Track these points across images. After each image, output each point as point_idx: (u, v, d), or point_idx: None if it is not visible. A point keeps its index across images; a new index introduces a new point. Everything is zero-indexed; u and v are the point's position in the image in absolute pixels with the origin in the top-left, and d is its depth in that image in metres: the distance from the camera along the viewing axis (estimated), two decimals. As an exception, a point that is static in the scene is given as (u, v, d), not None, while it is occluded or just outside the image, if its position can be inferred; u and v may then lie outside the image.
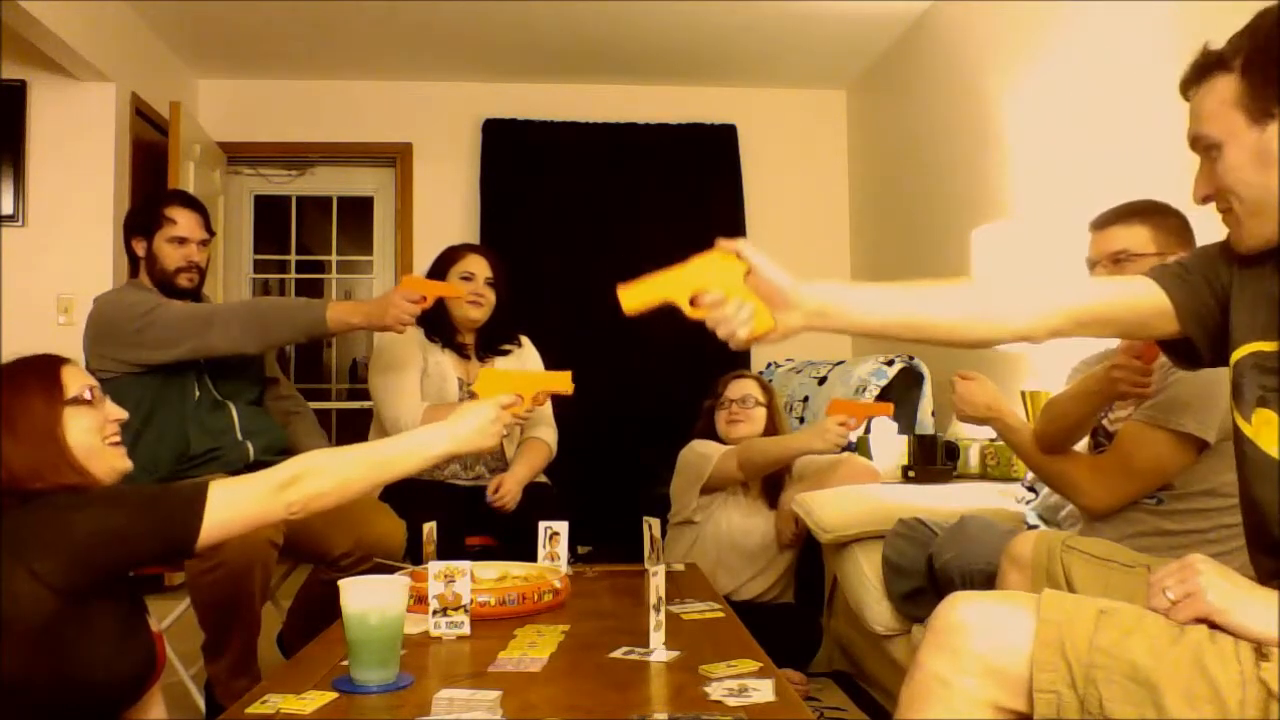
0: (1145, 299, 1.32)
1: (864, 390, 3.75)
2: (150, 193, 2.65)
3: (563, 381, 1.97)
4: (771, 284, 1.30)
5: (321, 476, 1.52)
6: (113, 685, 1.42)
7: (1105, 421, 2.05)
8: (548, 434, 2.99)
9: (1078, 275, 2.01)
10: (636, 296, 1.32)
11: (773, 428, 3.15)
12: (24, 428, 1.43)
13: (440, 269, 2.92)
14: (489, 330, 2.96)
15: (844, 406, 2.82)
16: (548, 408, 2.97)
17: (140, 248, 2.59)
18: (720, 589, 2.92)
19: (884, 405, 3.02)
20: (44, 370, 1.51)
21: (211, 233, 2.68)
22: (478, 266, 2.91)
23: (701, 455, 3.03)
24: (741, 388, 3.13)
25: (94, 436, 1.50)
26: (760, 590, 3.03)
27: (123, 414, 1.58)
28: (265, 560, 2.21)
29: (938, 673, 1.16)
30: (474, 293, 2.88)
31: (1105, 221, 2.03)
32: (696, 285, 1.30)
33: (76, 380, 1.52)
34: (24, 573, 1.30)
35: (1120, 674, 1.09)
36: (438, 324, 2.89)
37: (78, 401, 1.50)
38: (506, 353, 3.01)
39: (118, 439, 1.56)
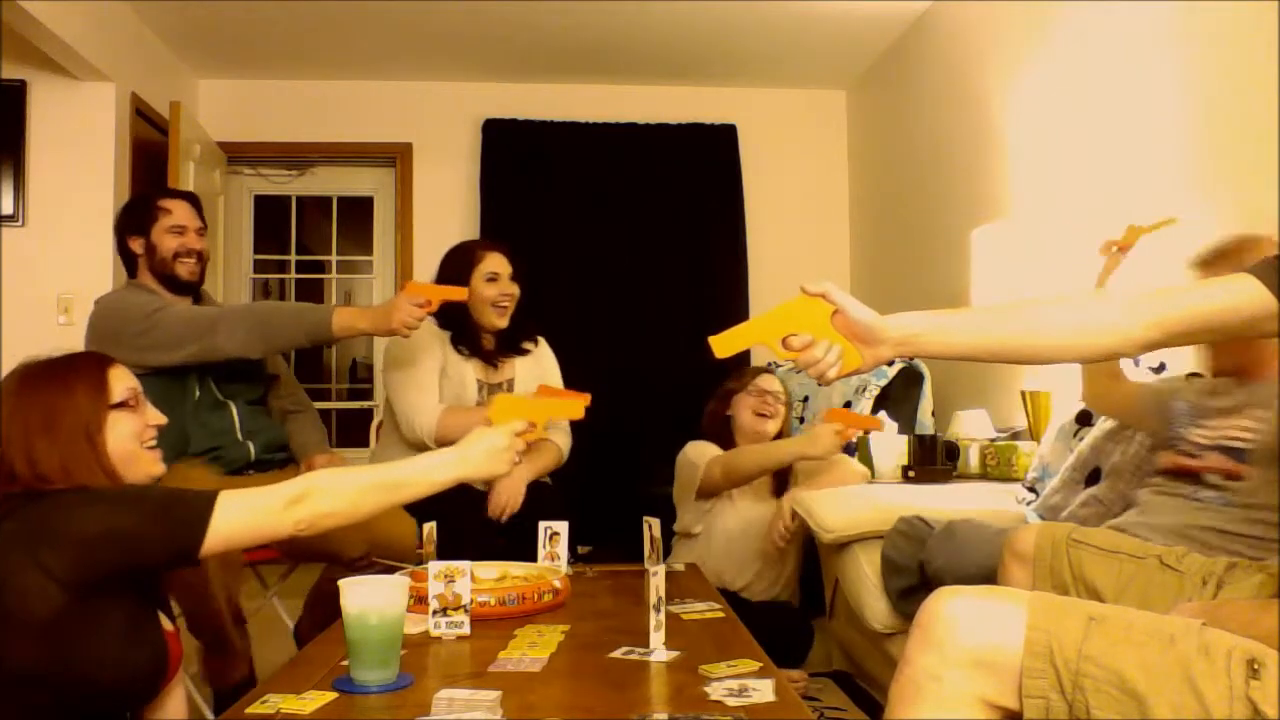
0: (1248, 300, 1.22)
1: (864, 390, 3.75)
2: (138, 193, 2.65)
3: (575, 410, 1.99)
4: (857, 322, 1.30)
5: (330, 496, 1.52)
6: (122, 682, 1.43)
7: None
8: (561, 438, 2.93)
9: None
10: (727, 344, 1.34)
11: (785, 432, 3.18)
12: (64, 429, 1.44)
13: (460, 269, 2.83)
14: (508, 328, 2.93)
15: (840, 416, 2.86)
16: None
17: (138, 245, 2.58)
18: (727, 584, 2.92)
19: (876, 420, 3.08)
20: (90, 370, 1.51)
21: (204, 223, 2.67)
22: (501, 265, 2.85)
23: (691, 464, 3.03)
24: (772, 382, 3.14)
25: (133, 442, 1.52)
26: (765, 590, 3.03)
27: (162, 418, 1.59)
28: (224, 559, 2.19)
29: (926, 667, 1.16)
30: (503, 294, 2.83)
31: (1202, 263, 1.96)
32: (785, 329, 1.32)
33: (121, 383, 1.53)
34: (33, 566, 1.31)
35: (1108, 683, 1.09)
36: (462, 331, 2.84)
37: (122, 406, 1.51)
38: (526, 352, 2.97)
39: (154, 443, 1.58)
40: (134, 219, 2.61)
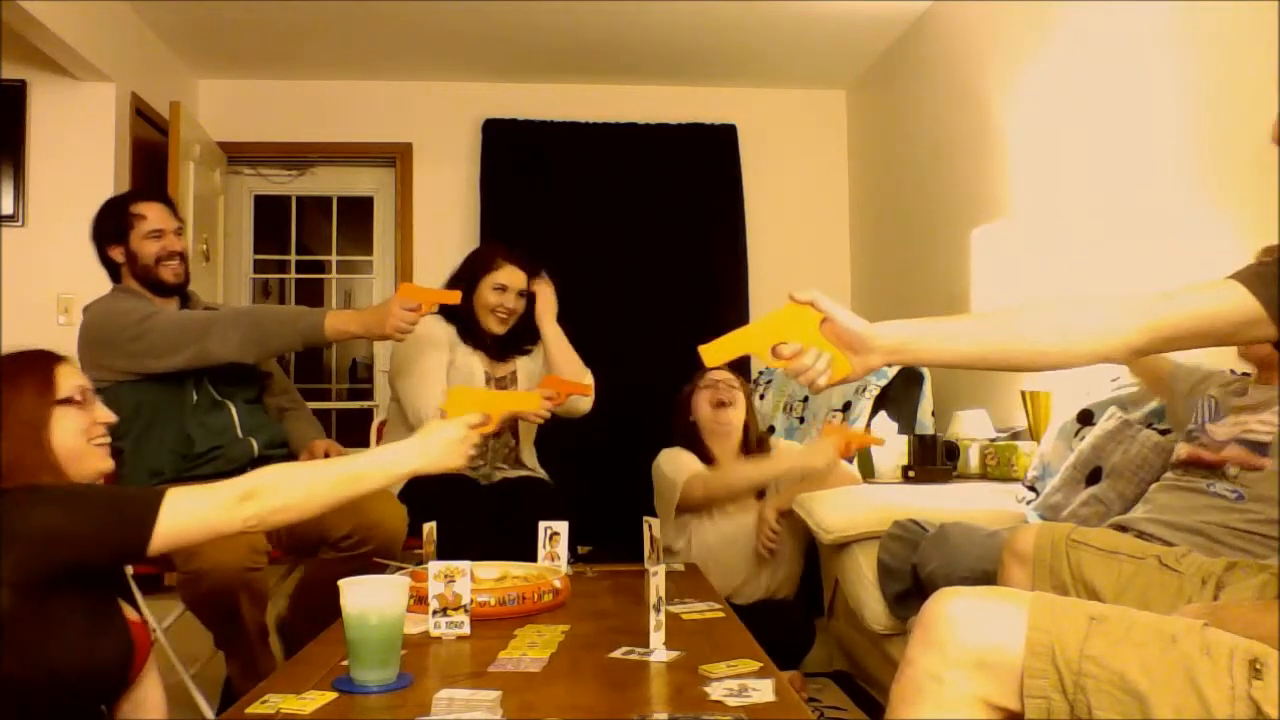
0: (1232, 306, 1.24)
1: (864, 390, 3.75)
2: (110, 199, 2.63)
3: (531, 402, 2.00)
4: (847, 330, 1.31)
5: (282, 491, 1.51)
6: (88, 675, 1.42)
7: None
8: (585, 403, 2.98)
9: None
10: (717, 352, 1.35)
11: (752, 418, 3.15)
12: (9, 423, 1.44)
13: (476, 270, 2.93)
14: (511, 331, 2.99)
15: (839, 431, 2.92)
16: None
17: (118, 253, 2.56)
18: (720, 591, 2.91)
19: (876, 437, 3.14)
20: (37, 367, 1.52)
21: (181, 220, 2.65)
22: (512, 279, 2.92)
23: (669, 481, 3.01)
24: (721, 371, 3.10)
25: (80, 438, 1.52)
26: (761, 591, 3.02)
27: (111, 417, 1.59)
28: (248, 582, 2.21)
29: (928, 668, 1.16)
30: (503, 304, 2.90)
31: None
32: (774, 337, 1.33)
33: (69, 380, 1.53)
34: None
35: (1110, 683, 1.09)
36: (466, 324, 2.91)
37: (68, 402, 1.51)
38: (528, 351, 3.04)
39: (103, 441, 1.57)
40: (110, 228, 2.57)
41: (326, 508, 1.58)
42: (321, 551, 2.44)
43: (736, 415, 3.09)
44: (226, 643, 2.29)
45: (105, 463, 1.57)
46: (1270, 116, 1.31)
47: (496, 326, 2.92)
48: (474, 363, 2.91)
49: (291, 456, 2.71)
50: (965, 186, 4.06)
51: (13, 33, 3.55)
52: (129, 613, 1.54)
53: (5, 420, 1.44)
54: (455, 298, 2.64)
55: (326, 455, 2.64)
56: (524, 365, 3.03)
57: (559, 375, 2.87)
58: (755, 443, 3.13)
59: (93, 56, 3.93)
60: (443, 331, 2.90)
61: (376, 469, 1.64)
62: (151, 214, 2.56)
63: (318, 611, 2.05)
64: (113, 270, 2.62)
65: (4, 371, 1.49)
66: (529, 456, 3.07)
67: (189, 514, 1.43)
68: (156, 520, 1.39)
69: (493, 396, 2.01)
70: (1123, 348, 1.29)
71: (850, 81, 5.41)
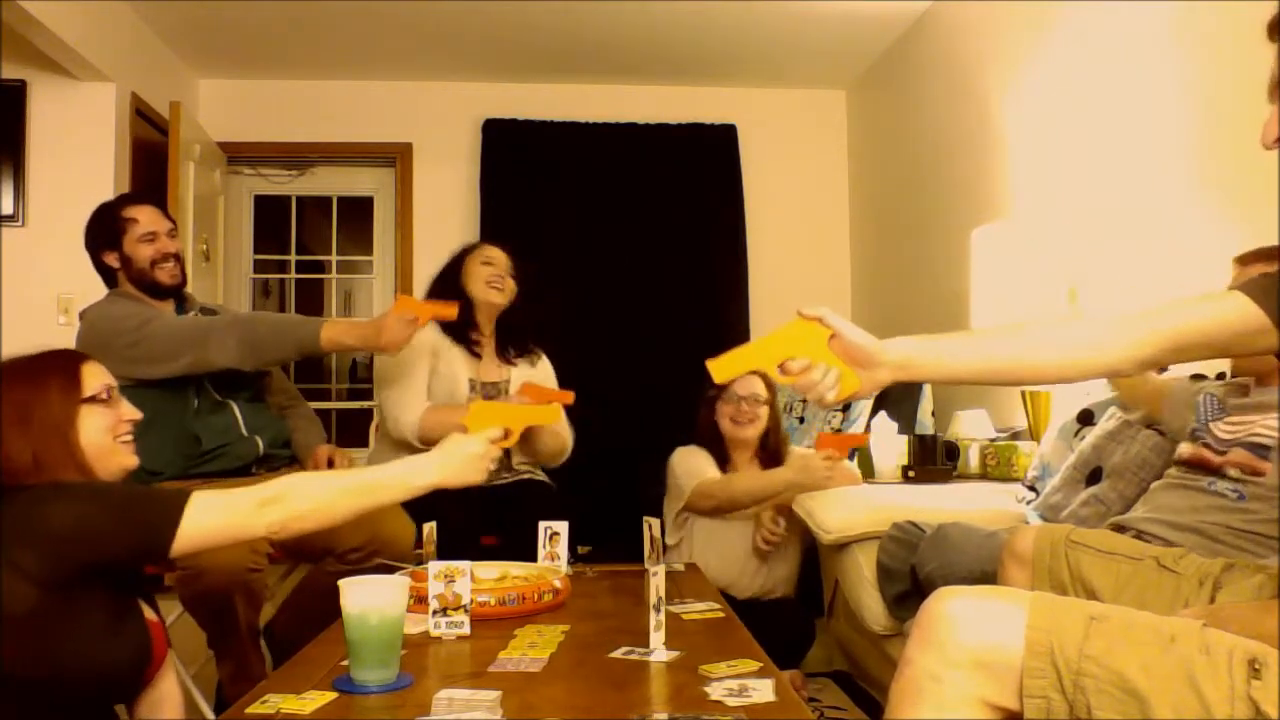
0: (1237, 315, 1.25)
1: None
2: (101, 205, 2.63)
3: (552, 415, 2.01)
4: (854, 345, 1.32)
5: (304, 499, 1.53)
6: (104, 674, 1.43)
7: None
8: (564, 430, 3.00)
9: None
10: (726, 368, 1.36)
11: (775, 426, 3.16)
12: (37, 421, 1.45)
13: (458, 261, 3.00)
14: (507, 332, 2.99)
15: (830, 441, 2.93)
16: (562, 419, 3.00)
17: (113, 259, 2.56)
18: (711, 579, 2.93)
19: (862, 436, 3.22)
20: (64, 366, 1.53)
21: (173, 221, 2.65)
22: (497, 255, 2.99)
23: (678, 485, 3.05)
24: (749, 384, 3.10)
25: (106, 436, 1.53)
26: (758, 589, 3.03)
27: (136, 414, 1.61)
28: (247, 583, 2.21)
29: (927, 668, 1.16)
30: (496, 274, 2.94)
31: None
32: (783, 353, 1.33)
33: (96, 378, 1.54)
34: (5, 565, 1.31)
35: (1109, 683, 1.09)
36: (463, 324, 2.89)
37: (94, 400, 1.52)
38: (529, 352, 3.07)
39: (129, 438, 1.59)
40: (103, 234, 2.56)
41: (346, 518, 1.59)
42: (327, 563, 2.44)
43: (754, 432, 3.11)
44: (219, 642, 2.28)
45: (130, 459, 1.58)
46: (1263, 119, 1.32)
47: (496, 296, 2.94)
48: (458, 369, 2.89)
49: (295, 459, 2.71)
50: (965, 186, 4.06)
51: (13, 33, 3.55)
52: (148, 613, 1.55)
53: (33, 418, 1.45)
54: (452, 311, 2.62)
55: (331, 461, 2.63)
56: (518, 375, 3.00)
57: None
58: (773, 449, 3.14)
59: (93, 56, 3.93)
60: (428, 336, 2.85)
61: (397, 481, 1.66)
62: (143, 217, 2.56)
63: (310, 617, 2.05)
64: (108, 276, 2.61)
65: (31, 370, 1.50)
66: (524, 460, 3.06)
67: (212, 518, 1.44)
68: (180, 522, 1.40)
69: (513, 411, 2.03)
70: (1128, 360, 1.30)
71: (850, 81, 5.41)
